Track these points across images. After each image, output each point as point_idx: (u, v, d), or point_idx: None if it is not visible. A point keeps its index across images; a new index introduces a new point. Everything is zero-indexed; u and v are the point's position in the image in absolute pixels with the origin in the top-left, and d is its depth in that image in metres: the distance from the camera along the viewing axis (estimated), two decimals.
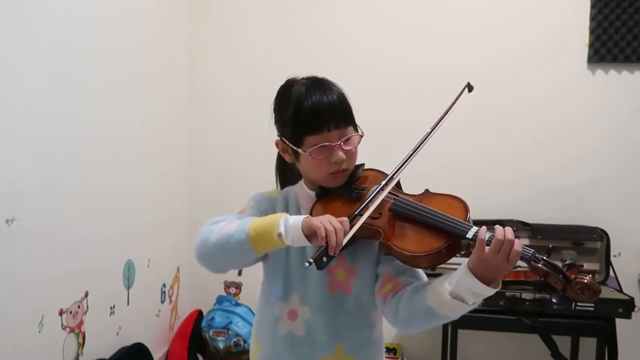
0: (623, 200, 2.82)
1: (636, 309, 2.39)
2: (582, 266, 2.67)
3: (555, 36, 2.84)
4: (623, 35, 2.76)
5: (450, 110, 1.24)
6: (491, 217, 2.77)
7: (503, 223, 2.99)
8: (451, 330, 2.49)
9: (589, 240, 2.72)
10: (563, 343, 2.64)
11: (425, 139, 1.21)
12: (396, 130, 2.82)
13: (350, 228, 1.09)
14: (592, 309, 2.35)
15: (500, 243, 1.01)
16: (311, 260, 1.02)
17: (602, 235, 2.71)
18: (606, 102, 2.83)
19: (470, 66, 2.87)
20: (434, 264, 1.11)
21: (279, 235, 1.08)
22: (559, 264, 1.06)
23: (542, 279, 1.05)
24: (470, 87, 1.28)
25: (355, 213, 1.12)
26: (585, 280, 1.02)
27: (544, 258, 1.05)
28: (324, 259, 1.03)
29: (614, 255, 2.74)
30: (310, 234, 1.06)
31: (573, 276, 1.04)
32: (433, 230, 1.10)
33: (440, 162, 2.73)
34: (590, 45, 2.80)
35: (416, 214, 1.14)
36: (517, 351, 2.89)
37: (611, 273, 2.68)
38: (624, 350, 2.49)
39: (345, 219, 1.08)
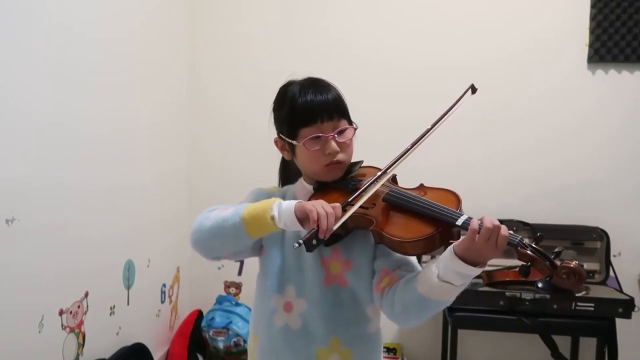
0: (623, 200, 2.82)
1: (636, 309, 2.39)
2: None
3: (555, 36, 2.84)
4: (623, 35, 2.76)
5: (452, 110, 1.24)
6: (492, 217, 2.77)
7: (503, 223, 2.99)
8: (451, 330, 2.48)
9: (589, 240, 2.72)
10: (563, 343, 2.65)
11: (424, 135, 1.22)
12: (396, 130, 2.81)
13: (343, 215, 1.10)
14: (592, 309, 2.35)
15: (490, 231, 1.03)
16: (301, 241, 1.04)
17: (602, 235, 2.71)
18: (606, 102, 2.83)
19: (470, 66, 2.87)
20: (425, 251, 1.13)
21: (272, 218, 1.09)
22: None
23: (529, 264, 1.05)
24: (474, 89, 1.28)
25: (349, 201, 1.14)
26: (572, 265, 1.03)
27: (532, 245, 1.06)
28: (314, 241, 1.05)
29: (614, 255, 2.74)
30: (302, 217, 1.08)
31: (559, 262, 1.04)
32: (424, 218, 1.12)
33: (441, 162, 2.72)
34: (590, 45, 2.80)
35: (409, 203, 1.16)
36: (517, 351, 2.89)
37: (611, 273, 2.68)
38: (624, 350, 2.48)
39: (337, 205, 1.10)
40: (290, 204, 1.11)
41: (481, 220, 1.05)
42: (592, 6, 2.78)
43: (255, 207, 1.14)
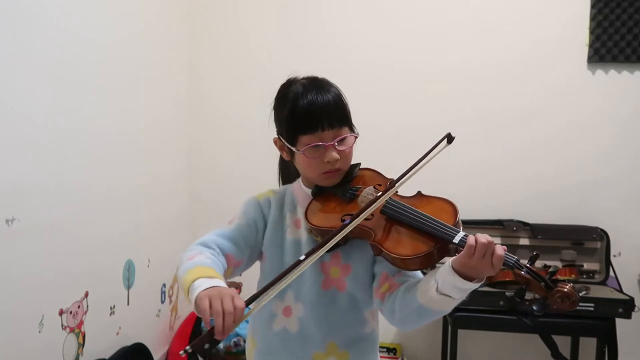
0: (623, 200, 2.82)
1: (636, 309, 2.39)
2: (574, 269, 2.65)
3: (555, 36, 2.84)
4: (623, 35, 2.76)
5: (426, 161, 1.21)
6: (492, 217, 2.77)
7: (503, 223, 2.98)
8: (451, 330, 2.48)
9: (589, 240, 2.72)
10: (563, 343, 2.65)
11: (396, 182, 1.18)
12: (394, 133, 2.83)
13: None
14: (592, 309, 2.35)
15: (484, 246, 1.03)
16: (188, 348, 0.95)
17: (602, 235, 2.71)
18: (606, 102, 2.83)
19: (471, 67, 2.87)
20: (423, 266, 1.13)
21: (190, 300, 1.08)
22: (543, 272, 1.07)
23: (524, 286, 1.06)
24: (450, 139, 1.25)
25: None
26: (566, 290, 1.03)
27: (527, 265, 1.07)
28: (206, 345, 0.96)
29: (614, 255, 2.74)
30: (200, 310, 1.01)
31: (554, 284, 1.04)
32: (422, 234, 1.12)
33: (442, 163, 2.70)
34: (590, 45, 2.80)
35: (406, 217, 1.15)
36: (517, 351, 2.89)
37: (611, 273, 2.68)
38: (624, 350, 2.49)
39: (241, 305, 0.99)
40: (198, 291, 1.03)
41: (475, 237, 1.05)
42: (592, 6, 2.78)
43: (186, 278, 1.10)
